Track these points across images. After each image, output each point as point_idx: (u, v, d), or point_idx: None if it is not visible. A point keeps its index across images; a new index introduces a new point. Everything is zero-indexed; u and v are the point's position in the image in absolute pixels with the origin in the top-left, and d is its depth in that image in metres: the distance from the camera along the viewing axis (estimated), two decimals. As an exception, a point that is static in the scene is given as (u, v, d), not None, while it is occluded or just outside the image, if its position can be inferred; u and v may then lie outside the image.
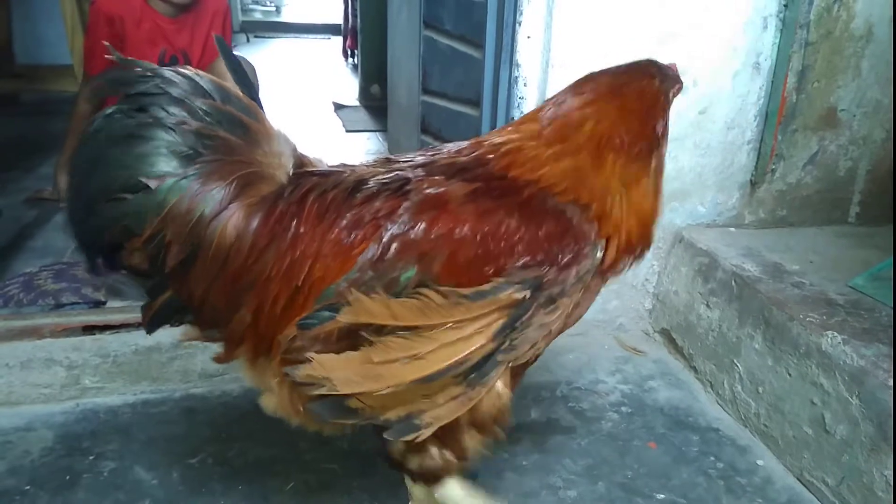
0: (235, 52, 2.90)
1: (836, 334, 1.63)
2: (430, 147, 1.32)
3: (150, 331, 1.22)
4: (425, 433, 1.14)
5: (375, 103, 5.51)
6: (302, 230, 1.13)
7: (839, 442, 1.59)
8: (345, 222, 1.12)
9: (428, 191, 1.14)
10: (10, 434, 1.74)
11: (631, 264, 1.27)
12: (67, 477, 1.61)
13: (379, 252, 1.09)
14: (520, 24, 2.02)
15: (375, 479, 1.63)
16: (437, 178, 1.16)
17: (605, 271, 1.23)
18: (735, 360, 1.94)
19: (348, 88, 6.30)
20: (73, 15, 4.15)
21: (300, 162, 1.22)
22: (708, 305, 2.07)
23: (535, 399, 1.97)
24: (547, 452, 1.77)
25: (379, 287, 1.08)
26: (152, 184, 1.08)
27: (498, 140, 1.24)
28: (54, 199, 3.15)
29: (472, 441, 1.24)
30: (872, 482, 1.50)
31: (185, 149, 1.10)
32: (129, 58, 1.13)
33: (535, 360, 1.25)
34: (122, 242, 1.14)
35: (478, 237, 1.09)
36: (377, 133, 4.91)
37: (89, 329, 1.96)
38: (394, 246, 1.09)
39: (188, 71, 1.13)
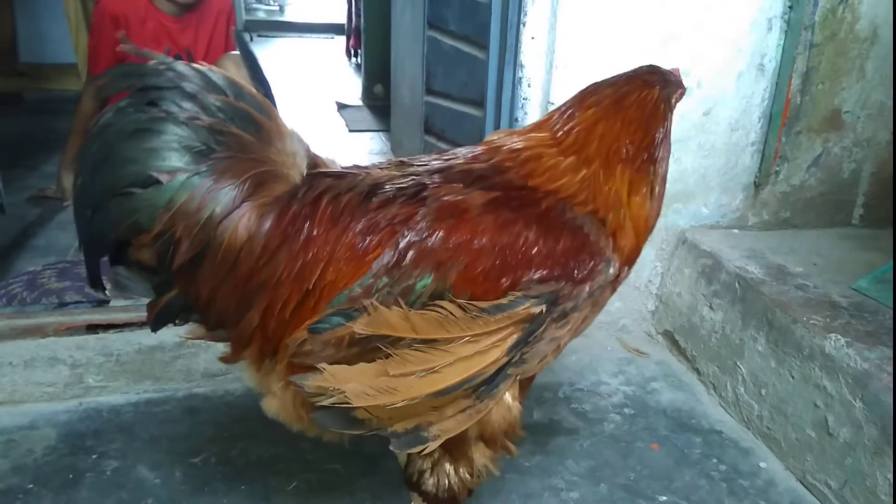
0: (237, 52, 2.90)
1: (839, 337, 1.63)
2: (443, 151, 1.31)
3: (154, 329, 1.21)
4: (431, 446, 1.13)
5: (378, 103, 5.50)
6: (315, 233, 1.11)
7: (842, 445, 1.59)
8: (360, 227, 1.11)
9: (446, 198, 1.13)
10: (14, 432, 1.74)
11: (627, 274, 1.28)
12: (71, 475, 1.61)
13: (395, 258, 1.08)
14: (524, 25, 2.02)
15: (378, 479, 1.63)
16: (454, 185, 1.15)
17: (614, 283, 1.23)
18: (738, 363, 1.93)
19: (351, 88, 6.30)
20: (76, 13, 4.16)
21: (313, 162, 1.20)
22: (711, 307, 2.06)
23: (538, 400, 1.97)
24: (549, 454, 1.77)
25: (394, 294, 1.07)
26: (163, 179, 1.06)
27: (515, 146, 1.23)
28: (57, 197, 3.16)
29: (483, 456, 1.24)
30: (875, 485, 1.50)
31: (197, 144, 1.08)
32: (144, 49, 1.11)
33: (542, 369, 1.25)
34: (131, 238, 1.12)
35: (496, 248, 1.09)
36: (380, 133, 4.91)
37: (93, 328, 1.96)
38: (410, 253, 1.08)
39: (201, 66, 1.11)
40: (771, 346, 1.82)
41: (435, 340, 1.06)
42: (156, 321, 1.20)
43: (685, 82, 2.07)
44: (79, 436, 1.74)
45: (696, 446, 1.83)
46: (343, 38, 7.94)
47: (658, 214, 1.29)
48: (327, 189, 1.15)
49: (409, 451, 1.17)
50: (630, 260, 1.24)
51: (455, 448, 1.19)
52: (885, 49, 2.16)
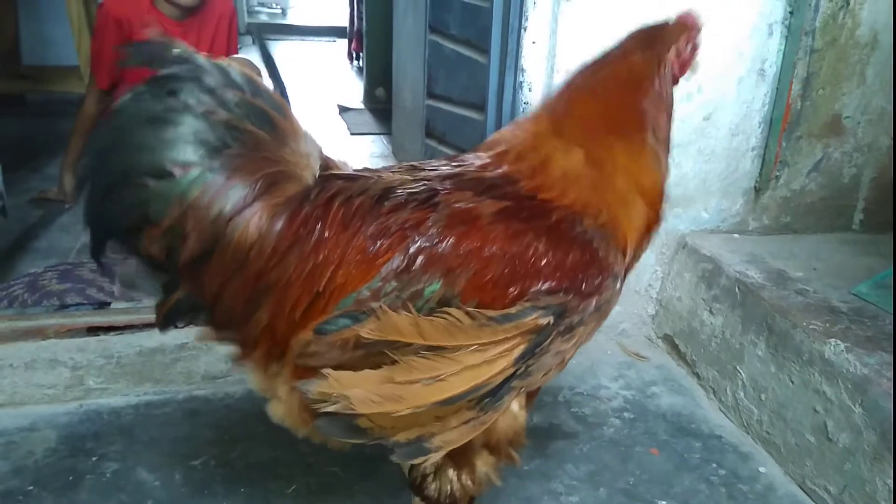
0: (241, 54, 2.91)
1: (839, 342, 1.63)
2: (454, 156, 1.31)
3: (162, 328, 1.19)
4: (434, 457, 1.12)
5: (380, 106, 5.50)
6: (326, 235, 1.10)
7: (841, 450, 1.59)
8: (370, 230, 1.10)
9: (457, 205, 1.12)
10: (14, 434, 1.74)
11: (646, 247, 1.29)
12: (71, 478, 1.61)
13: (404, 263, 1.07)
14: (525, 30, 2.02)
15: (377, 483, 1.63)
16: (466, 192, 1.15)
17: (627, 269, 1.25)
18: (738, 367, 1.94)
19: (353, 91, 6.31)
20: (79, 16, 4.16)
21: (326, 164, 1.19)
22: (711, 312, 2.07)
23: (538, 404, 1.97)
24: (549, 458, 1.77)
25: (402, 299, 1.06)
26: (177, 171, 1.04)
27: (519, 148, 1.25)
28: (59, 199, 3.17)
29: (485, 464, 1.23)
30: (875, 491, 1.50)
31: (212, 139, 1.06)
32: (168, 36, 1.09)
33: (546, 382, 1.25)
34: (138, 229, 1.09)
35: (506, 257, 1.08)
36: (381, 136, 4.91)
37: (93, 330, 1.97)
38: (420, 258, 1.07)
39: (221, 61, 1.09)
40: (771, 350, 1.82)
41: (442, 348, 1.05)
42: (164, 321, 1.18)
43: (685, 87, 2.07)
44: (79, 438, 1.75)
45: (695, 451, 1.83)
46: (345, 42, 7.95)
47: (666, 177, 1.28)
48: (339, 192, 1.14)
49: (411, 462, 1.17)
50: (651, 228, 1.25)
51: (459, 455, 1.18)
52: (886, 54, 2.16)
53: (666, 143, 1.27)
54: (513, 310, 1.07)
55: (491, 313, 1.06)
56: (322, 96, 6.15)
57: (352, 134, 5.03)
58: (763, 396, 1.84)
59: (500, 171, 1.22)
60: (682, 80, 1.32)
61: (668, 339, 2.28)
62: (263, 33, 9.35)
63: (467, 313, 1.05)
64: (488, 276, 1.08)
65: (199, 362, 1.96)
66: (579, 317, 1.12)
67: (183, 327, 1.22)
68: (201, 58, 1.08)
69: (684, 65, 1.31)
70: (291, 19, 11.16)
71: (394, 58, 4.16)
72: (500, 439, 1.20)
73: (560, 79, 2.02)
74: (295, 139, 1.14)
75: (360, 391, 1.06)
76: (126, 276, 1.17)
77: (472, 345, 1.05)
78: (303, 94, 6.08)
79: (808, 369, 1.69)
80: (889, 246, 2.14)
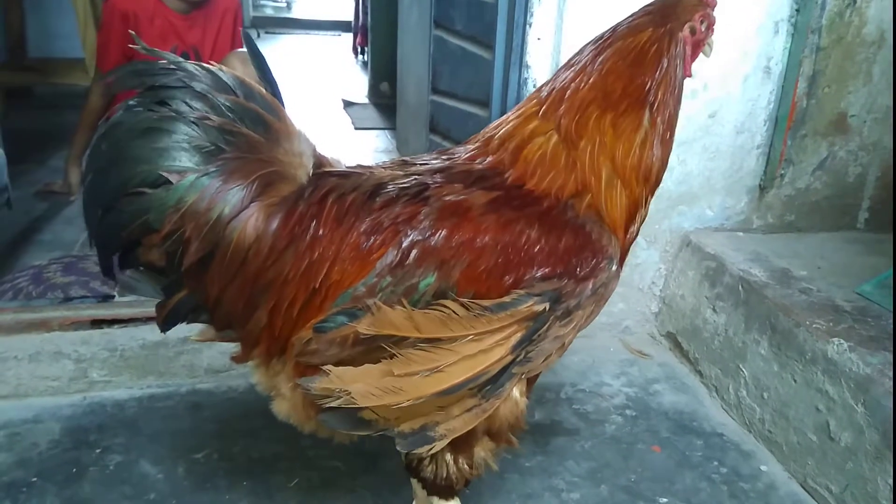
0: (244, 49, 2.91)
1: (842, 341, 1.63)
2: (444, 149, 1.32)
3: (164, 329, 1.21)
4: (438, 445, 1.14)
5: (384, 101, 5.50)
6: (321, 232, 1.12)
7: (843, 449, 1.59)
8: (364, 226, 1.12)
9: (448, 198, 1.13)
10: (19, 426, 1.75)
11: (636, 232, 1.27)
12: (74, 469, 1.62)
13: (398, 257, 1.08)
14: (530, 26, 2.02)
15: (378, 477, 1.64)
16: (456, 184, 1.16)
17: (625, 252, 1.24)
18: (741, 366, 1.93)
19: (358, 85, 6.30)
20: (85, 9, 4.16)
21: (319, 162, 1.21)
22: (714, 310, 2.06)
23: (540, 400, 1.98)
24: (550, 454, 1.77)
25: (397, 293, 1.07)
26: (173, 179, 1.07)
27: (504, 134, 1.23)
28: (64, 192, 3.17)
29: (484, 449, 1.24)
30: (877, 490, 1.50)
31: (206, 144, 1.09)
32: (154, 48, 1.12)
33: (547, 367, 1.26)
34: (140, 238, 1.13)
35: (498, 246, 1.09)
36: (386, 131, 4.91)
37: (97, 323, 1.97)
38: (413, 252, 1.08)
39: (211, 66, 1.12)
40: (774, 349, 1.82)
41: (439, 340, 1.06)
42: (165, 321, 1.20)
43: (690, 85, 2.07)
44: (82, 430, 1.76)
45: (697, 449, 1.83)
46: (350, 36, 7.94)
47: (666, 163, 1.25)
48: (332, 189, 1.16)
49: (416, 451, 1.17)
50: (631, 214, 1.23)
51: (459, 440, 1.19)
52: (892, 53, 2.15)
53: (671, 126, 1.23)
54: (507, 298, 1.08)
55: (485, 303, 1.07)
56: (326, 90, 6.15)
57: (356, 129, 5.03)
58: (765, 395, 1.84)
59: (486, 161, 1.22)
60: (694, 64, 1.28)
61: (671, 337, 2.28)
62: (259, 27, 9.34)
63: (462, 304, 1.06)
64: (482, 267, 1.09)
65: (202, 356, 1.97)
66: (576, 301, 1.12)
67: (192, 323, 1.23)
68: (191, 65, 1.10)
69: (698, 44, 1.26)
70: (296, 13, 11.15)
71: (398, 53, 4.16)
72: (502, 425, 1.21)
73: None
74: (288, 139, 1.16)
75: (360, 386, 1.07)
76: (125, 281, 1.19)
77: (467, 335, 1.07)
78: (307, 89, 6.08)
79: (810, 368, 1.69)
80: (894, 245, 2.14)
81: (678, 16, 1.22)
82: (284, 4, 11.39)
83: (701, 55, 1.30)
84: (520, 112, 1.26)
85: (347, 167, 1.26)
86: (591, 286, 1.13)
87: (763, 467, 1.78)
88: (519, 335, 1.09)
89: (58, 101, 4.61)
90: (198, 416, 1.84)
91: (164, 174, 1.07)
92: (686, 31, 1.23)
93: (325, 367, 1.09)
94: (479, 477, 1.29)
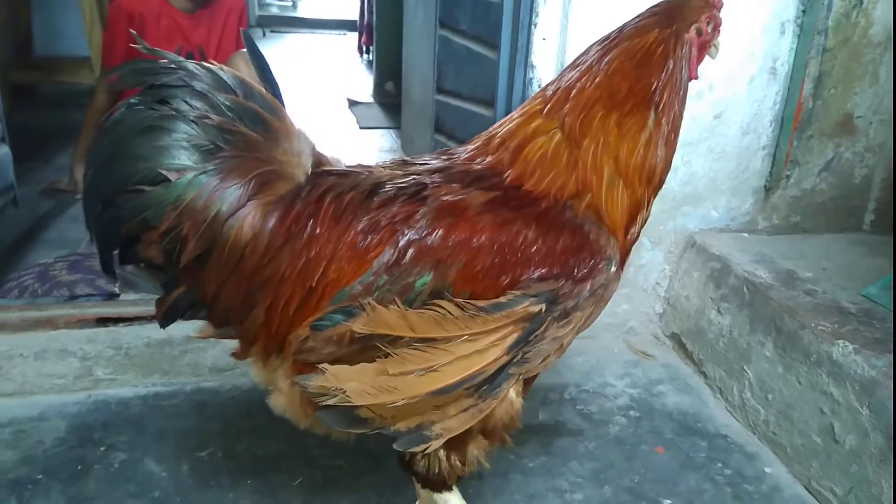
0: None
1: (847, 343, 1.63)
2: (444, 150, 1.32)
3: (163, 325, 1.23)
4: (434, 444, 1.14)
5: (389, 100, 5.51)
6: (318, 231, 1.13)
7: (848, 452, 1.58)
8: (361, 225, 1.12)
9: (445, 197, 1.14)
10: (24, 423, 1.76)
11: (638, 232, 1.26)
12: (79, 467, 1.63)
13: (395, 256, 1.09)
14: (535, 26, 2.02)
15: (381, 477, 1.64)
16: (454, 184, 1.16)
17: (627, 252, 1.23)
18: (745, 367, 1.93)
19: (363, 84, 6.31)
20: (91, 7, 4.17)
21: (318, 161, 1.22)
22: (719, 311, 2.06)
23: (543, 401, 1.98)
24: (553, 455, 1.77)
25: (393, 292, 1.08)
26: (172, 177, 1.08)
27: (506, 133, 1.23)
28: (70, 190, 3.19)
29: (478, 447, 1.24)
30: (881, 493, 1.50)
31: (205, 143, 1.10)
32: (155, 48, 1.13)
33: (545, 368, 1.26)
34: (139, 235, 1.14)
35: (495, 246, 1.10)
36: (391, 130, 4.91)
37: (103, 321, 1.98)
38: (410, 251, 1.09)
39: (212, 65, 1.13)
40: (778, 351, 1.81)
41: (433, 339, 1.07)
42: (164, 318, 1.22)
43: (696, 86, 2.06)
44: (87, 428, 1.76)
45: (701, 450, 1.83)
46: (355, 35, 7.94)
47: (669, 165, 1.25)
48: (330, 188, 1.17)
49: (412, 450, 1.18)
50: (633, 215, 1.22)
51: (454, 438, 1.20)
52: (900, 54, 2.14)
53: (675, 127, 1.23)
54: (503, 299, 1.08)
55: (480, 303, 1.07)
56: (332, 90, 6.16)
57: (361, 128, 5.03)
58: (770, 397, 1.84)
59: (486, 161, 1.22)
60: (700, 67, 1.27)
61: (676, 338, 2.28)
62: (264, 25, 9.35)
63: (457, 304, 1.06)
64: (478, 267, 1.09)
65: (206, 354, 1.97)
66: (574, 302, 1.12)
67: (191, 320, 1.24)
68: (191, 64, 1.11)
69: (704, 45, 1.26)
70: (302, 12, 11.15)
71: (403, 52, 4.15)
72: (497, 425, 1.21)
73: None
74: (287, 138, 1.17)
75: (355, 384, 1.08)
76: (126, 277, 1.20)
77: (462, 335, 1.07)
78: (312, 87, 6.09)
79: (815, 370, 1.69)
80: (899, 247, 2.13)
81: (684, 17, 1.22)
82: (290, 3, 11.40)
83: (707, 57, 1.29)
84: (524, 110, 1.26)
85: (347, 167, 1.26)
86: (588, 287, 1.13)
87: (767, 469, 1.78)
88: (515, 336, 1.09)
89: (64, 100, 4.63)
90: (202, 414, 1.84)
91: (163, 172, 1.08)
92: (692, 32, 1.23)
93: (320, 366, 1.10)
94: (470, 473, 1.29)
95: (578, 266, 1.12)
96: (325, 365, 1.09)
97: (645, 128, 1.20)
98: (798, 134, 2.17)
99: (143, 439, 1.73)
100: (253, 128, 1.13)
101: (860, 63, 2.14)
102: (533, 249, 1.11)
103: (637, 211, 1.23)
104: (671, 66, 1.20)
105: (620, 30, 1.25)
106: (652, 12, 1.25)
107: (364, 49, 7.33)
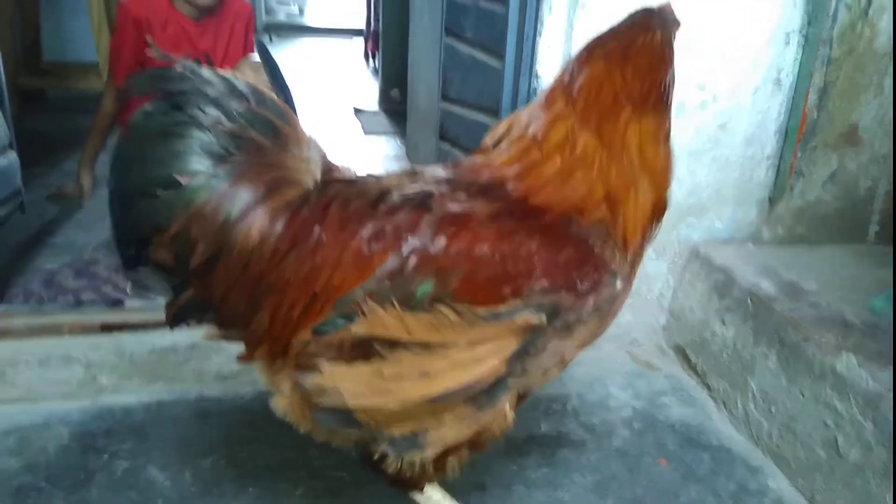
0: (255, 56, 2.92)
1: (851, 356, 1.62)
2: (453, 161, 1.33)
3: (172, 326, 1.24)
4: (429, 452, 1.14)
5: (395, 107, 5.52)
6: (324, 237, 1.13)
7: (852, 466, 1.57)
8: (366, 232, 1.13)
9: (450, 207, 1.14)
10: (28, 430, 1.76)
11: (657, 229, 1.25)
12: (82, 475, 1.63)
13: (398, 264, 1.09)
14: (540, 36, 2.03)
15: (384, 489, 1.63)
16: (460, 194, 1.17)
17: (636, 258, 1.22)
18: (749, 379, 1.92)
19: (369, 91, 6.33)
20: (99, 13, 4.19)
21: (328, 168, 1.23)
22: (723, 323, 2.05)
23: (546, 412, 1.97)
24: (556, 466, 1.77)
25: (395, 299, 1.08)
26: (183, 180, 1.10)
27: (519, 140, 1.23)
28: (76, 195, 3.19)
29: (457, 457, 1.24)
30: (884, 508, 1.49)
31: (218, 149, 1.11)
32: (169, 54, 1.14)
33: (545, 382, 1.26)
34: (151, 237, 1.15)
35: (497, 256, 1.09)
36: (396, 137, 4.92)
37: (107, 328, 1.99)
38: (413, 259, 1.09)
39: (225, 72, 1.14)
40: (782, 363, 1.81)
41: (430, 344, 1.07)
42: (173, 320, 1.23)
43: (700, 96, 2.07)
44: (91, 435, 1.77)
45: (704, 463, 1.82)
46: (361, 42, 7.97)
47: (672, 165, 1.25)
48: (337, 195, 1.17)
49: (406, 456, 1.18)
50: (658, 214, 1.22)
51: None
52: (905, 65, 2.14)
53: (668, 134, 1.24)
54: (501, 308, 1.08)
55: (479, 310, 1.07)
56: (337, 96, 6.18)
57: (366, 134, 5.05)
58: (773, 409, 1.83)
59: (495, 172, 1.21)
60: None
61: (679, 350, 2.27)
62: (271, 32, 9.39)
63: (455, 310, 1.06)
64: (480, 276, 1.09)
65: (210, 362, 1.98)
66: (576, 315, 1.12)
67: (193, 325, 1.24)
68: (206, 71, 1.13)
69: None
70: (309, 19, 11.21)
71: (409, 59, 4.17)
72: (487, 437, 1.21)
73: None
74: (297, 145, 1.18)
75: (350, 384, 1.09)
76: (138, 279, 1.22)
77: (459, 341, 1.07)
78: (318, 94, 6.11)
79: (819, 383, 1.68)
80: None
81: (670, 23, 1.22)
82: (297, 10, 11.45)
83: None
84: (541, 112, 1.23)
85: (356, 174, 1.27)
86: (592, 301, 1.13)
87: (770, 482, 1.77)
88: (514, 347, 1.09)
89: (71, 105, 4.65)
90: (206, 422, 1.84)
91: (176, 176, 1.10)
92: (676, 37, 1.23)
93: (317, 362, 1.11)
94: (445, 478, 1.28)
95: (582, 280, 1.12)
96: (322, 362, 1.10)
97: (665, 128, 1.21)
98: (802, 145, 2.17)
99: (146, 447, 1.73)
100: (264, 134, 1.14)
101: (865, 74, 2.14)
102: (535, 260, 1.10)
103: (647, 224, 1.23)
104: (673, 68, 1.22)
105: (634, 27, 1.22)
106: (646, 14, 1.23)
107: (370, 56, 7.36)
